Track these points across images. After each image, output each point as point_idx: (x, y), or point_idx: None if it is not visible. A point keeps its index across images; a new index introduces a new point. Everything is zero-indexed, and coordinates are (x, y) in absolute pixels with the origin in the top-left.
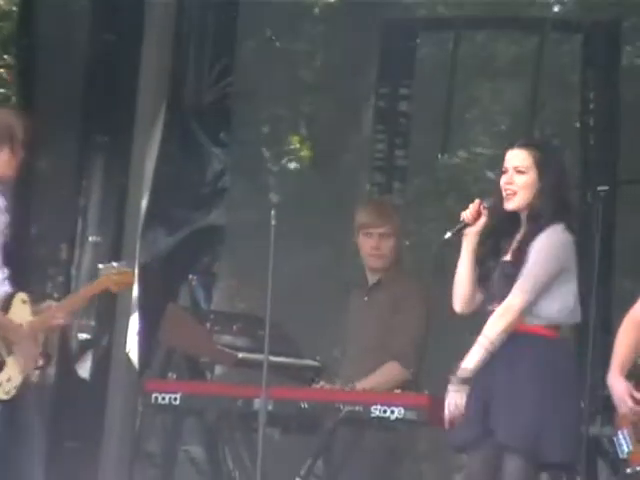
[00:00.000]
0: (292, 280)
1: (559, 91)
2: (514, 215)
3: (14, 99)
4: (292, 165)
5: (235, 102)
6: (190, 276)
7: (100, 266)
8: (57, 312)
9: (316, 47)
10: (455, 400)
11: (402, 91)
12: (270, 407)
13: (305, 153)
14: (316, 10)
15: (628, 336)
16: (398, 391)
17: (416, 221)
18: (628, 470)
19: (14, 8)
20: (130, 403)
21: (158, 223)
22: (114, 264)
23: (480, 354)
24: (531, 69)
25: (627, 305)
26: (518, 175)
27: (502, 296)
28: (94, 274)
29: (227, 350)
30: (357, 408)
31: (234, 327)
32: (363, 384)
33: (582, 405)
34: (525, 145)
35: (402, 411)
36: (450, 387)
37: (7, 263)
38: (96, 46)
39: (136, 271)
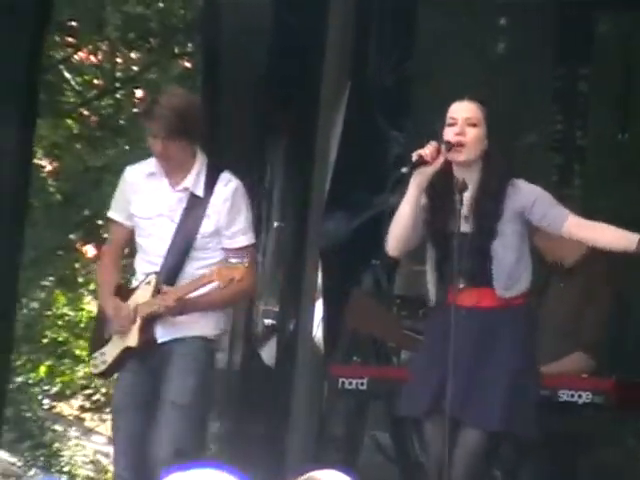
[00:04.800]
0: None
1: None
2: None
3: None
4: None
5: (415, 86)
6: (373, 261)
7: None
8: (165, 298)
9: (494, 29)
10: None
11: (580, 71)
12: None
13: None
14: None
15: None
16: (585, 376)
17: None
18: None
19: None
20: (316, 388)
21: (340, 207)
22: (232, 260)
23: None
24: None
25: None
26: (470, 127)
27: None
28: (279, 259)
29: (413, 335)
30: (544, 392)
31: (420, 312)
32: (548, 369)
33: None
34: (475, 99)
35: (590, 395)
36: None
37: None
38: (280, 30)
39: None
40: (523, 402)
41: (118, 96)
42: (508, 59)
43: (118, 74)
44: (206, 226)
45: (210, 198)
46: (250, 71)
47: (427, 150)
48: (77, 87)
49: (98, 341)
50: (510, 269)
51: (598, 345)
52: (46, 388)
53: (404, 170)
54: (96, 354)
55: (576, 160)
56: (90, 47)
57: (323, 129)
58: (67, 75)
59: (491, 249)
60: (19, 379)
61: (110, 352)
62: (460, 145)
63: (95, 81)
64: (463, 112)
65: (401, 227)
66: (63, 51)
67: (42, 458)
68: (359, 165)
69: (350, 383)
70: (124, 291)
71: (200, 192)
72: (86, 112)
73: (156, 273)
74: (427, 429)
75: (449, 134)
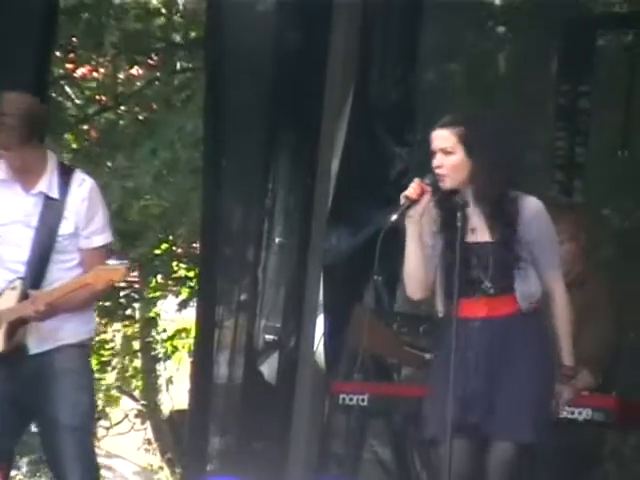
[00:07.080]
0: None
1: None
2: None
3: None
4: None
5: (418, 100)
6: (375, 277)
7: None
8: (36, 302)
9: (497, 46)
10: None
11: (582, 88)
12: None
13: None
14: (499, 10)
15: None
16: (586, 393)
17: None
18: None
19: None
20: (317, 404)
21: (341, 223)
22: (109, 262)
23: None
24: None
25: None
26: (445, 156)
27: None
28: (280, 275)
29: (414, 351)
30: None
31: (420, 328)
32: None
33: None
34: (447, 124)
35: (590, 412)
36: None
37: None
38: (283, 45)
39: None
40: (546, 412)
41: (119, 112)
42: (511, 75)
43: (120, 89)
44: (65, 228)
45: (66, 199)
46: (252, 87)
47: (411, 190)
48: (78, 102)
49: None
50: (521, 277)
51: (600, 362)
52: None
53: (394, 217)
54: None
55: (577, 176)
56: (92, 63)
57: (325, 144)
58: (68, 90)
59: (497, 258)
60: None
61: None
62: (443, 175)
63: (97, 97)
64: (437, 142)
65: (413, 268)
66: (64, 67)
67: None
68: (362, 180)
69: (351, 399)
70: None
71: (55, 194)
72: (85, 127)
73: (21, 278)
74: (454, 447)
75: (433, 165)
